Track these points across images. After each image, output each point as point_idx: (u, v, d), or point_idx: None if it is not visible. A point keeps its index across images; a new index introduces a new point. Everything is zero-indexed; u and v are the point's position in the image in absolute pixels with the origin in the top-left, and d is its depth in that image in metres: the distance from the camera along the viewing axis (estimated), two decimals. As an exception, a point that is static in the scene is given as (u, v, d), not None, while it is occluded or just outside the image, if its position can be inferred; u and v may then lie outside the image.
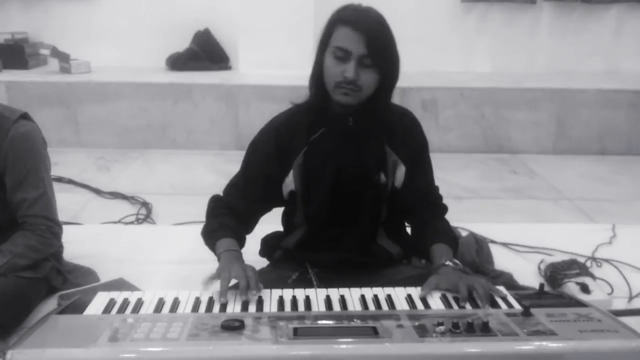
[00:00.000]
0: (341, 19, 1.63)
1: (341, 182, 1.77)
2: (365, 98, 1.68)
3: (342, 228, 1.82)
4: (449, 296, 1.52)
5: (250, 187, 1.81)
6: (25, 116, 1.96)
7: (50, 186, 2.00)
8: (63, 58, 4.77)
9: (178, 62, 5.04)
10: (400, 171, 1.80)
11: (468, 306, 1.47)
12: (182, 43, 5.11)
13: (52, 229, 1.96)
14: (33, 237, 1.91)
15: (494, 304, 1.48)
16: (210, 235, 1.77)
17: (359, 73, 1.61)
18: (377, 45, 1.60)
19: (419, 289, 1.55)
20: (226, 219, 1.78)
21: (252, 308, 1.45)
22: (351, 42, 1.59)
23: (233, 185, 1.87)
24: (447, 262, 1.65)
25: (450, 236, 1.82)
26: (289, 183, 1.79)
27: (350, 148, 1.77)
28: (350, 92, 1.63)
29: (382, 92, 1.69)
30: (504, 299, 1.50)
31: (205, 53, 5.11)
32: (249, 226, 1.85)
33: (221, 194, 1.88)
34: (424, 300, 1.50)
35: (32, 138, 1.93)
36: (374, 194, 1.80)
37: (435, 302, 1.50)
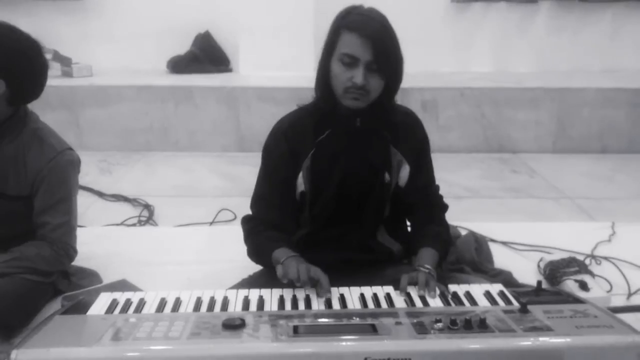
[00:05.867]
0: (346, 25, 1.64)
1: (348, 182, 1.79)
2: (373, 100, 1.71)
3: (345, 226, 1.85)
4: (447, 294, 1.54)
5: (276, 195, 1.82)
6: (70, 149, 2.01)
7: (76, 217, 2.06)
8: (65, 62, 4.80)
9: (179, 65, 5.06)
10: (405, 170, 1.83)
11: (467, 303, 1.49)
12: (182, 46, 5.14)
13: (68, 251, 2.01)
14: (47, 250, 1.95)
15: (493, 302, 1.49)
16: (262, 252, 1.78)
17: (368, 78, 1.63)
18: (383, 50, 1.62)
19: (416, 287, 1.57)
20: (269, 233, 1.79)
21: (252, 307, 1.47)
22: (358, 48, 1.61)
23: (258, 199, 1.87)
24: (419, 268, 1.68)
25: (439, 240, 1.84)
26: (300, 184, 1.81)
27: (357, 148, 1.79)
28: (359, 96, 1.66)
29: (386, 93, 1.72)
30: (503, 295, 1.52)
31: (206, 55, 5.13)
32: (289, 232, 1.85)
33: (250, 213, 1.89)
34: (422, 298, 1.53)
35: (70, 170, 1.99)
36: (378, 193, 1.82)
37: (434, 300, 1.52)
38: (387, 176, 1.81)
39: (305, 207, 1.85)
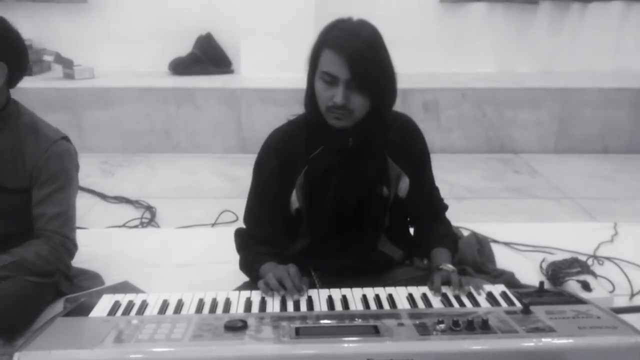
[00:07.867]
0: (326, 41, 1.60)
1: (344, 197, 1.77)
2: (361, 118, 1.65)
3: (345, 238, 1.83)
4: (449, 295, 1.54)
5: (266, 210, 1.82)
6: (65, 138, 2.01)
7: (74, 208, 2.05)
8: (66, 64, 4.80)
9: (181, 67, 5.06)
10: (404, 182, 1.80)
11: (468, 304, 1.49)
12: (184, 48, 5.14)
13: (66, 244, 1.98)
14: (45, 248, 1.93)
15: (496, 303, 1.49)
16: (250, 267, 1.78)
17: (349, 97, 1.58)
18: (362, 69, 1.55)
19: (420, 288, 1.57)
20: (258, 248, 1.80)
21: (255, 309, 1.47)
22: (336, 67, 1.56)
23: (249, 214, 1.87)
24: (441, 267, 1.68)
25: (449, 238, 1.86)
26: (294, 201, 1.79)
27: (351, 164, 1.75)
28: (342, 116, 1.61)
29: (378, 110, 1.66)
30: (505, 296, 1.52)
31: (207, 57, 5.13)
32: (281, 246, 1.84)
33: (243, 226, 1.89)
34: (425, 298, 1.52)
35: (66, 159, 1.99)
36: (376, 206, 1.80)
37: (436, 301, 1.52)
38: (385, 190, 1.78)
39: (302, 222, 1.83)
